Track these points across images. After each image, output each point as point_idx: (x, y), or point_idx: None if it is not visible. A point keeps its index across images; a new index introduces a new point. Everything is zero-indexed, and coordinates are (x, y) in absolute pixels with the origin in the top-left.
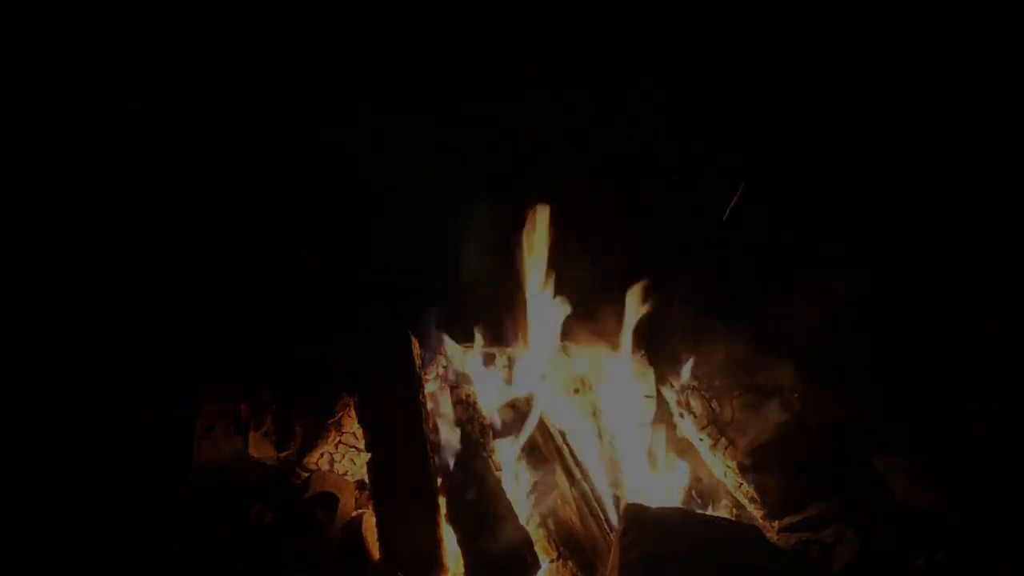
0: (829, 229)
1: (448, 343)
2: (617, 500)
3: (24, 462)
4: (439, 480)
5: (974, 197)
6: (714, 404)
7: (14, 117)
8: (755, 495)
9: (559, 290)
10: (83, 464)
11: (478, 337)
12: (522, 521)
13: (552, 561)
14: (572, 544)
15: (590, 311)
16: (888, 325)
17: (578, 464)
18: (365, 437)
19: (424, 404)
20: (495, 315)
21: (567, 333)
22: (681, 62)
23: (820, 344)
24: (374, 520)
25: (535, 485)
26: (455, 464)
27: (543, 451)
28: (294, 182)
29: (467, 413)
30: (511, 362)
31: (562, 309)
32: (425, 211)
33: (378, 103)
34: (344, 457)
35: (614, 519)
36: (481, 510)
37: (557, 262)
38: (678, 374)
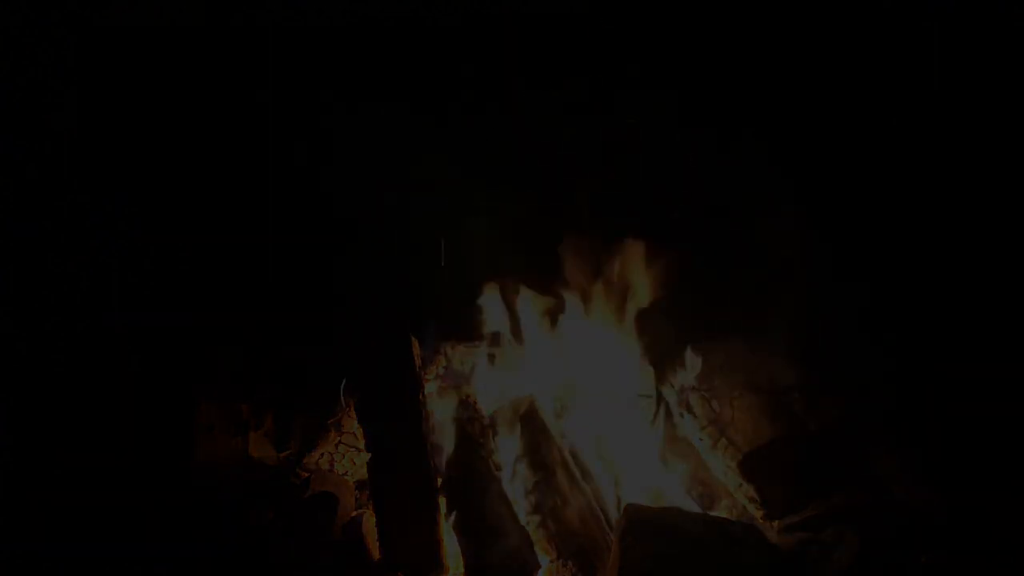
0: (829, 229)
1: (448, 343)
2: (617, 500)
3: (23, 463)
4: (439, 480)
5: (975, 198)
6: (714, 404)
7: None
8: (755, 495)
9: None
10: (83, 464)
11: (477, 337)
12: (522, 521)
13: (552, 561)
14: (572, 544)
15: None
16: (888, 325)
17: (578, 464)
18: (365, 437)
19: (424, 404)
20: (494, 315)
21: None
22: None
23: (821, 344)
24: (374, 520)
25: (535, 485)
26: (455, 464)
27: (543, 451)
28: (294, 182)
29: (467, 413)
30: (510, 362)
31: (565, 308)
32: (426, 211)
33: (381, 104)
34: (344, 457)
35: (614, 519)
36: (481, 510)
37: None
38: (678, 374)
